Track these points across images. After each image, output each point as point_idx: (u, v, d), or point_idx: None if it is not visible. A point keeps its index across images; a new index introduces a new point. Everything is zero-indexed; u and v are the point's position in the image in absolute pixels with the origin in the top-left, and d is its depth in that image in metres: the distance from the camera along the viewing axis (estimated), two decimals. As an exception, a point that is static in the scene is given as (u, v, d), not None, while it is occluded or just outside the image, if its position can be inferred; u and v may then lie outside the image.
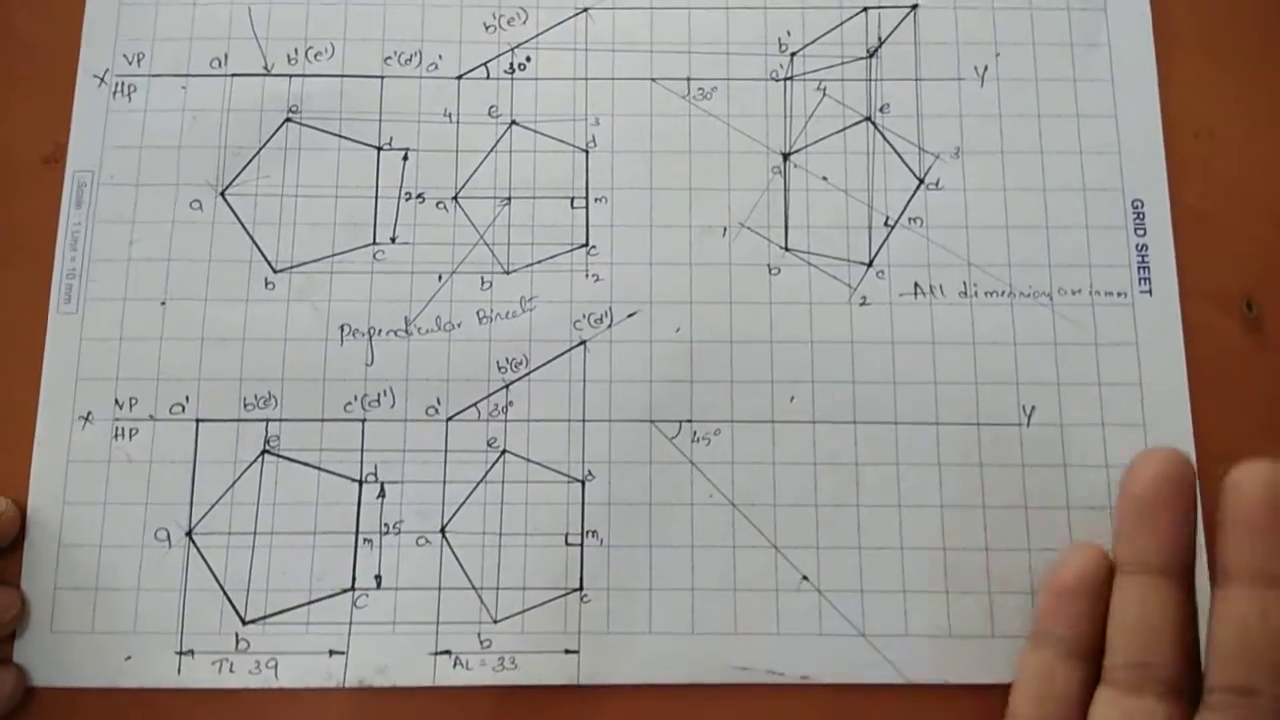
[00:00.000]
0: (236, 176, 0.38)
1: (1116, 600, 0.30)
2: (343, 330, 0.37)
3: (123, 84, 0.39)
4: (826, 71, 0.39)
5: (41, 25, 0.40)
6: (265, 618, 0.35)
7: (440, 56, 0.39)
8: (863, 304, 0.37)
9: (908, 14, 0.39)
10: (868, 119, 0.39)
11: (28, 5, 0.40)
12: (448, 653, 0.35)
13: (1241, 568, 0.28)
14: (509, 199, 0.38)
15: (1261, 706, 0.27)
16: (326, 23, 0.39)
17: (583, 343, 0.37)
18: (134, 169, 0.38)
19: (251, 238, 0.38)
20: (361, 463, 0.36)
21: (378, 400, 0.37)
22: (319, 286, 0.37)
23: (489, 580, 0.36)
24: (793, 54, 0.39)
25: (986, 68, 0.39)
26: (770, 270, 0.38)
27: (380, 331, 0.37)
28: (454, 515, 0.36)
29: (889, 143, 0.39)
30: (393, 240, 0.38)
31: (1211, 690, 0.28)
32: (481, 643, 0.35)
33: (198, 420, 0.37)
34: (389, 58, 0.39)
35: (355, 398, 0.37)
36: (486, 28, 0.39)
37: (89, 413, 0.36)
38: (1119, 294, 0.37)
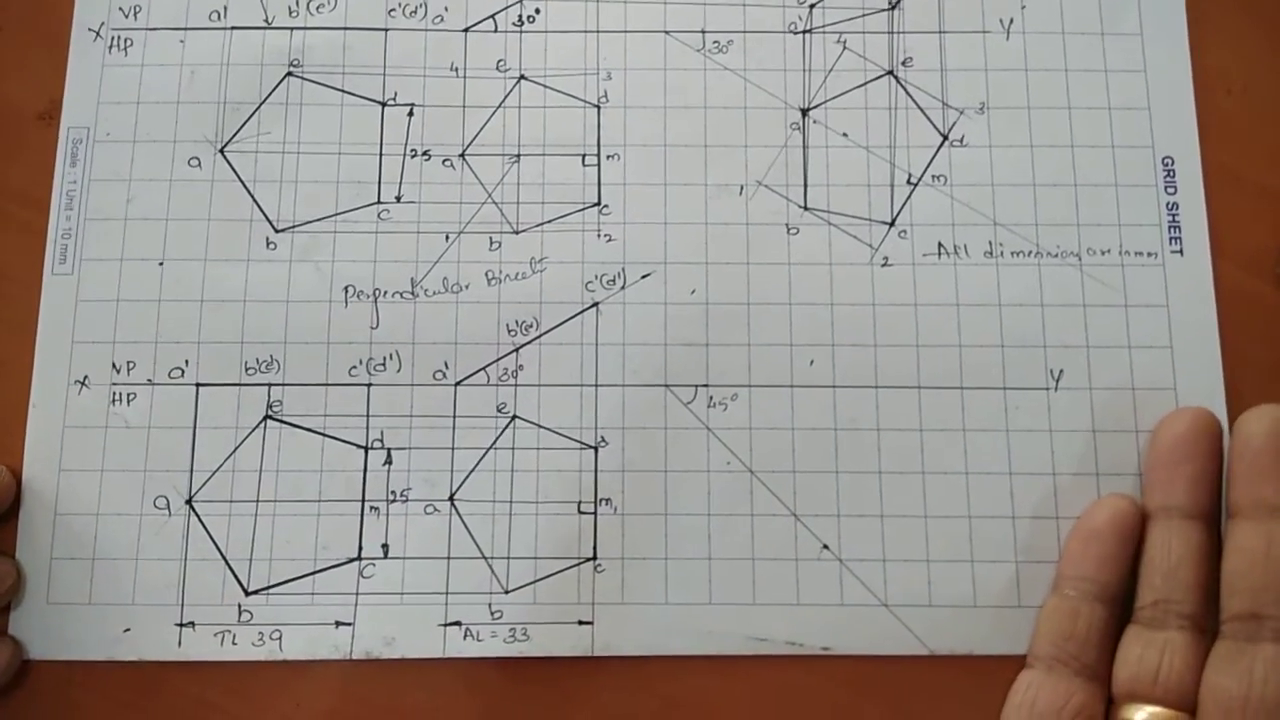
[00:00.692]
0: (236, 133, 0.37)
1: (1146, 544, 0.32)
2: (347, 292, 0.36)
3: (119, 38, 0.38)
4: (847, 24, 0.38)
5: (33, -23, 0.38)
6: (269, 588, 0.34)
7: (446, 8, 0.38)
8: (884, 265, 0.36)
9: (931, -35, 0.38)
10: (890, 73, 0.38)
11: (19, -42, 0.39)
12: (457, 624, 0.34)
13: (1248, 503, 0.30)
14: (518, 156, 0.37)
15: (1270, 629, 0.29)
16: (328, -26, 0.38)
17: (595, 305, 0.36)
18: (131, 125, 0.37)
19: (252, 196, 0.37)
20: (367, 428, 0.35)
21: (383, 364, 0.36)
22: (322, 247, 0.36)
23: (499, 550, 0.34)
24: (812, 5, 0.38)
25: (1012, 20, 0.38)
26: (789, 230, 0.36)
27: (386, 293, 0.36)
28: (463, 483, 0.35)
29: (911, 98, 0.37)
30: (398, 199, 0.37)
31: (1224, 620, 0.30)
32: (492, 614, 0.34)
33: (197, 385, 0.35)
34: (393, 9, 0.38)
35: (360, 361, 0.36)
36: (494, -21, 0.38)
37: (85, 377, 0.35)
38: (1149, 254, 0.36)
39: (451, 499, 0.35)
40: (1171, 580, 0.31)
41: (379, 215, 0.37)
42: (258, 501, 0.35)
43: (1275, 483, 0.30)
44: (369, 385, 0.35)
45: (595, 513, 0.35)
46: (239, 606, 0.34)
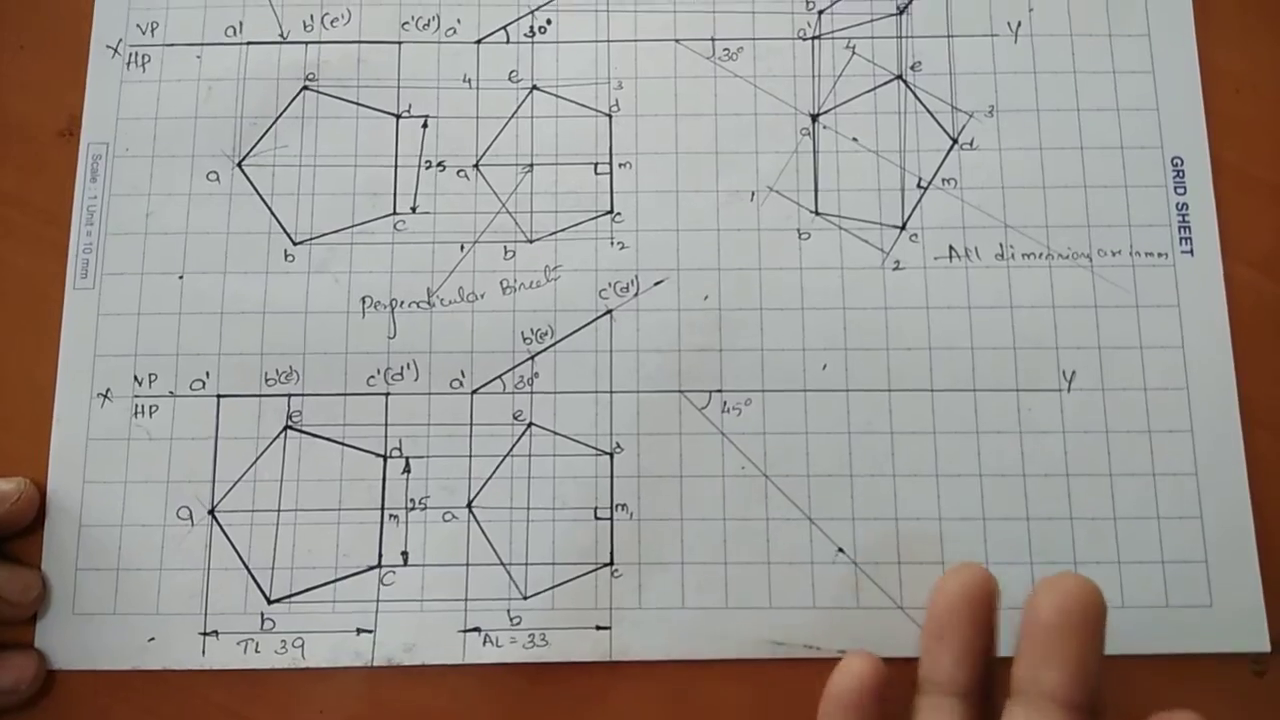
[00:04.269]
0: (254, 147, 0.37)
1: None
2: (364, 302, 0.36)
3: (137, 54, 0.38)
4: (856, 29, 0.38)
5: (52, -4, 0.39)
6: (291, 596, 0.35)
7: (459, 20, 0.38)
8: (896, 268, 0.36)
9: (938, -30, 0.38)
10: (899, 77, 0.38)
11: (38, -23, 0.39)
12: (477, 630, 0.34)
13: (1025, 684, 0.26)
14: (531, 166, 0.37)
15: None
16: (342, -11, 0.39)
17: (609, 312, 0.36)
18: (149, 141, 0.37)
19: (270, 209, 0.37)
20: (386, 437, 0.36)
21: (401, 373, 0.36)
22: (339, 258, 0.37)
23: (518, 556, 0.35)
24: (820, 11, 0.38)
25: (1020, 23, 0.38)
26: (800, 235, 0.37)
27: (402, 303, 0.36)
28: (481, 490, 0.35)
29: (921, 102, 0.38)
30: (413, 210, 0.37)
31: None
32: (511, 619, 0.34)
33: (218, 396, 0.36)
34: (406, 23, 0.38)
35: (378, 371, 0.36)
36: (506, -10, 0.39)
37: (108, 390, 0.36)
38: (1159, 254, 0.36)
39: (470, 506, 0.35)
40: None
41: (395, 226, 0.37)
42: (279, 511, 0.35)
43: (1057, 666, 0.25)
44: (387, 394, 0.36)
45: (612, 518, 0.35)
46: (262, 615, 0.34)
